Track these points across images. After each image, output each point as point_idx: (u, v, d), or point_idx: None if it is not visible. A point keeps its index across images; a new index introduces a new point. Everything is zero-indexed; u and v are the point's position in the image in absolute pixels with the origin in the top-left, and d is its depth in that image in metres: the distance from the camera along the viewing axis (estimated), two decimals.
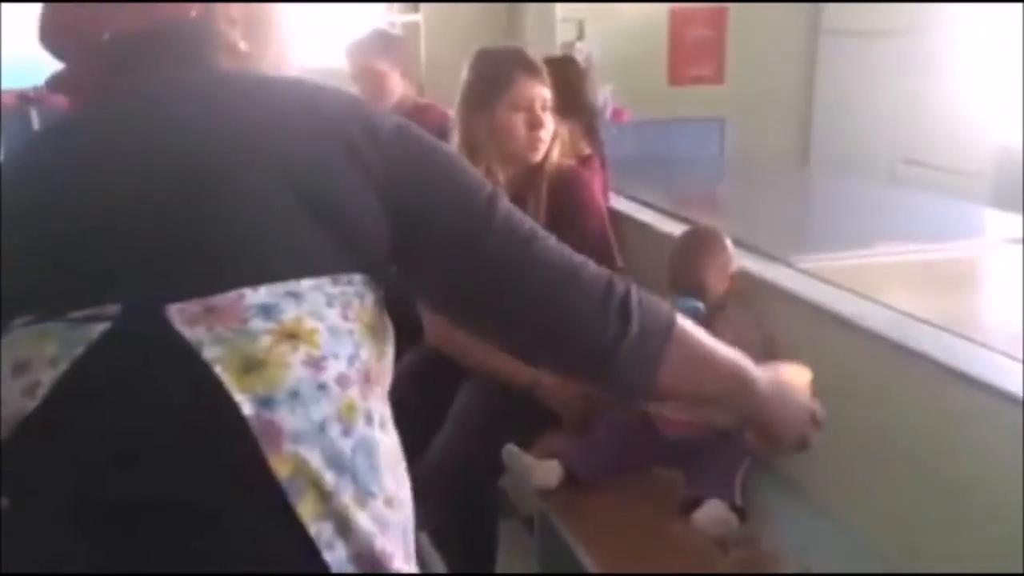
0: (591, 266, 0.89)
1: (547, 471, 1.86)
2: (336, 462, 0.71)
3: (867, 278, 1.97)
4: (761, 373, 0.99)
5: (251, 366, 0.69)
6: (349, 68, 2.96)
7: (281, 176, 0.76)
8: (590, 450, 1.92)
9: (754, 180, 3.46)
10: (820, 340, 1.80)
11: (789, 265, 2.01)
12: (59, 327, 0.70)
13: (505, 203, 0.87)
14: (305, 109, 0.81)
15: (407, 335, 1.77)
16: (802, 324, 1.85)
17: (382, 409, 0.79)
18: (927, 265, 2.11)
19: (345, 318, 0.75)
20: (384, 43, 3.00)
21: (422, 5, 4.21)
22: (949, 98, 3.55)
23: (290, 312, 0.71)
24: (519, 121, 2.01)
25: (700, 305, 1.85)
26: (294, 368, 0.70)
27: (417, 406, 1.85)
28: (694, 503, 1.73)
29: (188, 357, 0.69)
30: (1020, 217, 2.38)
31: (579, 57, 3.21)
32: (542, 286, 0.85)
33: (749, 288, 1.93)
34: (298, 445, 0.69)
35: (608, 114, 3.25)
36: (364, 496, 0.73)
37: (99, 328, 0.70)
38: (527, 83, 2.02)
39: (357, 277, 0.77)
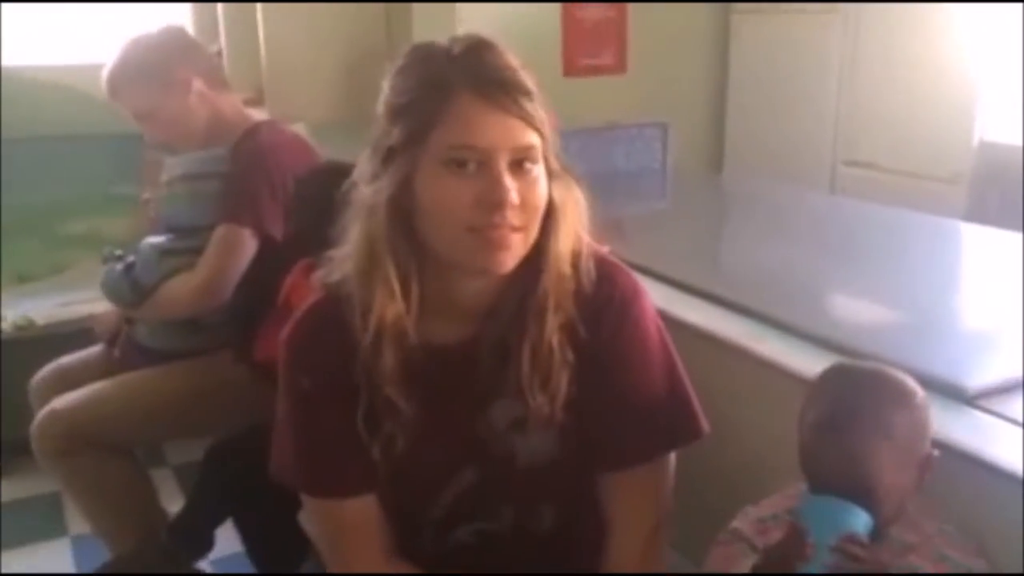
0: None
1: None
2: None
3: None
4: None
5: None
6: (118, 94, 1.92)
7: None
8: None
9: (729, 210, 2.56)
10: None
11: (969, 403, 1.15)
12: None
13: None
14: None
15: None
16: None
17: None
18: None
19: None
20: (181, 43, 1.95)
21: None
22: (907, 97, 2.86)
23: None
24: (459, 189, 0.95)
25: (867, 519, 0.96)
26: None
27: None
28: None
29: None
30: None
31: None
32: None
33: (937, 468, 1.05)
34: None
35: None
36: None
37: None
38: (473, 106, 0.95)
39: None
